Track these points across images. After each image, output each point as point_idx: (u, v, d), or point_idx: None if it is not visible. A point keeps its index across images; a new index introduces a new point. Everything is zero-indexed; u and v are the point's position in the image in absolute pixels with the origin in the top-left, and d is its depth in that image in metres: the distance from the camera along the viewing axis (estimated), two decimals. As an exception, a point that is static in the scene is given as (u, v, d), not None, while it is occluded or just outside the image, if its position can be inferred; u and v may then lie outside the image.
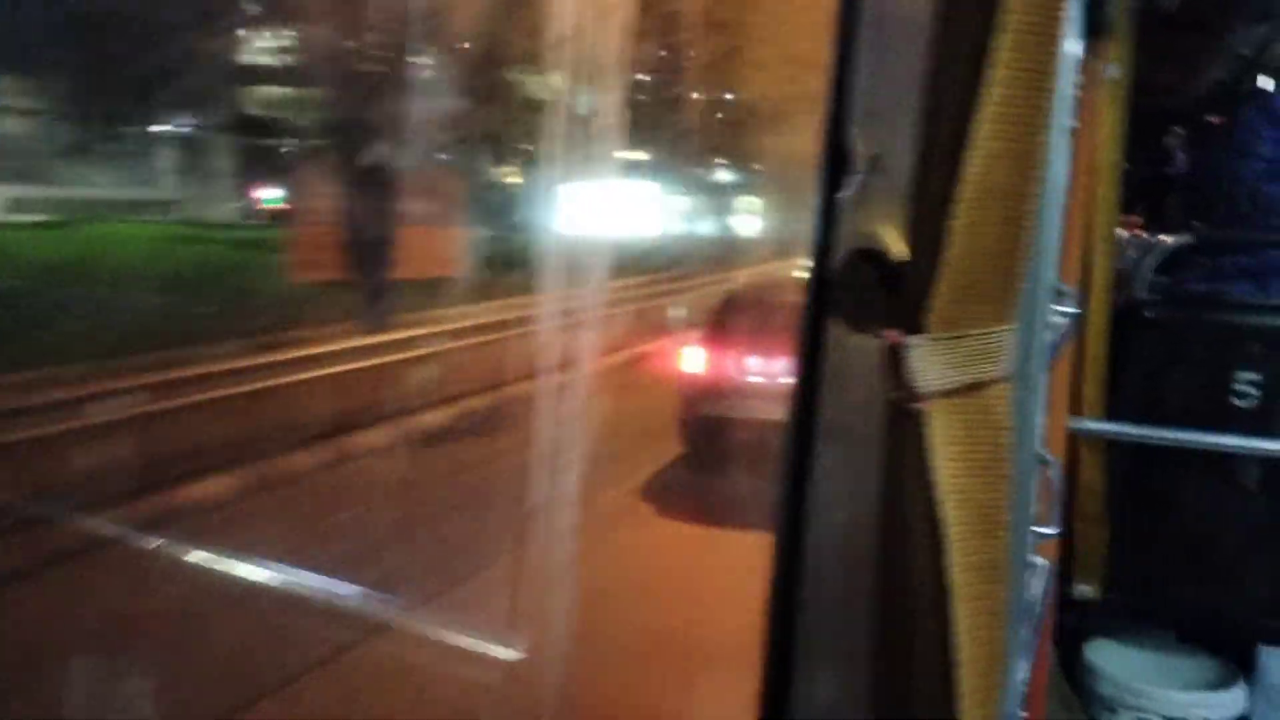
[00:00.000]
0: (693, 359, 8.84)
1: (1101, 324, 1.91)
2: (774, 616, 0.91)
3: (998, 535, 0.72)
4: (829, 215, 0.82)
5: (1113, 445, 2.04)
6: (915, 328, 0.69)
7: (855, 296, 0.78)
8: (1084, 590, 2.01)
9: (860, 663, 0.86)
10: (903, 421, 0.71)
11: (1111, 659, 2.28)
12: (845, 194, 0.81)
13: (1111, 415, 1.99)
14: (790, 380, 0.94)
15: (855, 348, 0.81)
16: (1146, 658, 2.29)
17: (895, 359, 0.69)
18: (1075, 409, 1.91)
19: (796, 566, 0.88)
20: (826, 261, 0.82)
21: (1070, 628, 2.20)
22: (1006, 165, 0.68)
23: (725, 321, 9.04)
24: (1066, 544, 2.06)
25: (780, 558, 0.88)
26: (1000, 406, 0.72)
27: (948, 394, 0.69)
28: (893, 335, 0.70)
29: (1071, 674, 2.27)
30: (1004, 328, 0.72)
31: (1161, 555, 2.15)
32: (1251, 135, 1.98)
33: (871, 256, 0.78)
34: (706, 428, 8.55)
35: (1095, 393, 1.93)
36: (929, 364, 0.68)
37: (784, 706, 0.89)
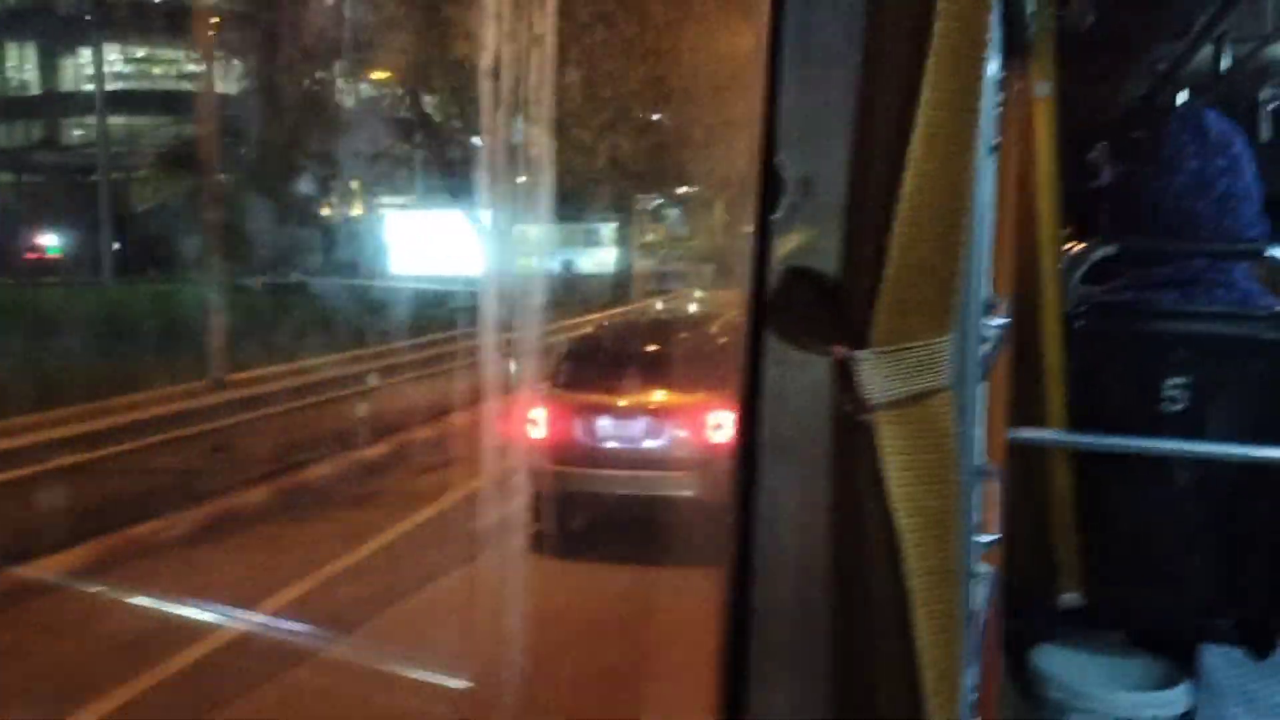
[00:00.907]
0: (537, 421, 7.40)
1: (1056, 334, 1.96)
2: (728, 632, 0.92)
3: (949, 541, 0.74)
4: (764, 236, 0.84)
5: (1052, 453, 2.09)
6: (860, 342, 0.71)
7: (794, 313, 0.80)
8: (1070, 599, 2.05)
9: (816, 675, 0.88)
10: (853, 433, 0.73)
11: (1060, 664, 2.32)
12: (778, 215, 0.83)
13: (1050, 423, 2.03)
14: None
15: (796, 364, 0.83)
16: (1094, 661, 2.33)
17: (843, 373, 0.71)
18: (1038, 419, 1.95)
19: (748, 582, 0.89)
20: (764, 281, 0.85)
21: (1018, 634, 2.23)
22: (939, 183, 0.70)
23: (576, 374, 7.66)
24: (1027, 553, 2.09)
25: (733, 573, 0.89)
26: (944, 415, 0.75)
27: (894, 405, 0.71)
28: (839, 350, 0.72)
29: (1021, 680, 2.31)
30: (943, 338, 0.74)
31: (1104, 559, 2.20)
32: (1177, 150, 2.05)
33: (807, 274, 0.81)
34: (556, 504, 7.20)
35: (1057, 402, 1.97)
36: (875, 376, 0.71)
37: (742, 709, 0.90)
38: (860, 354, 0.71)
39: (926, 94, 0.67)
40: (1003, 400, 1.81)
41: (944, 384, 0.74)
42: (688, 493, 6.80)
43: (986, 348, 1.16)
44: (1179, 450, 1.97)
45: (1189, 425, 1.95)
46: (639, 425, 7.17)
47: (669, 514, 6.80)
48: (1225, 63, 2.81)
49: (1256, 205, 2.04)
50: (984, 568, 1.34)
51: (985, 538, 1.32)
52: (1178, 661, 2.27)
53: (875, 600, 0.73)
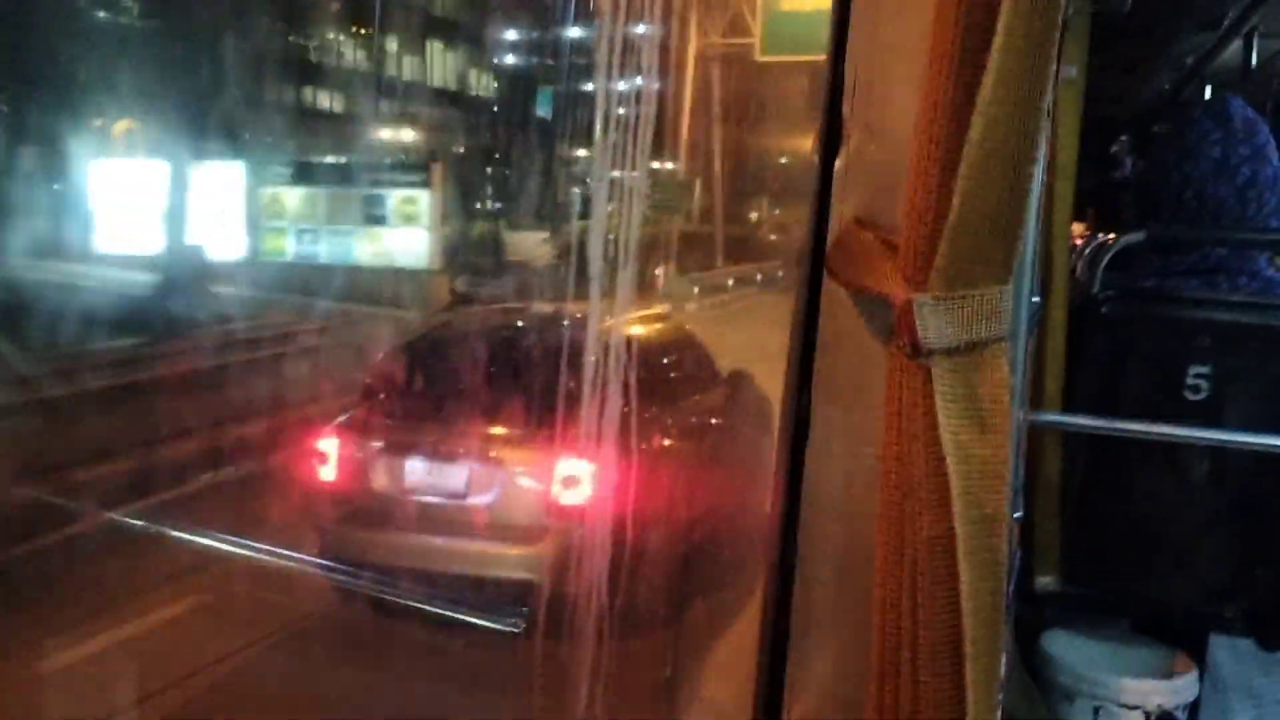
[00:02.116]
0: (327, 459, 5.11)
1: (1060, 319, 1.96)
2: (771, 583, 0.93)
3: (998, 490, 0.75)
4: (825, 184, 0.85)
5: (1068, 438, 2.09)
6: (920, 288, 0.72)
7: (856, 260, 0.81)
8: (1045, 582, 2.06)
9: (859, 621, 0.89)
10: (909, 378, 0.73)
11: (1068, 649, 2.33)
12: (840, 163, 0.84)
13: (1068, 408, 2.04)
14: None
15: (854, 311, 0.84)
16: (1102, 647, 2.34)
17: (902, 318, 0.72)
18: (1035, 403, 1.95)
19: (794, 522, 0.90)
20: (823, 227, 0.85)
21: (1028, 619, 2.24)
22: (1007, 131, 0.71)
23: (384, 396, 5.45)
24: (1023, 536, 2.11)
25: (780, 522, 0.90)
26: (999, 365, 0.75)
27: (951, 351, 0.72)
28: (898, 295, 0.72)
29: (1029, 664, 2.32)
30: (1003, 288, 0.74)
31: (1115, 547, 2.21)
32: (1201, 137, 2.05)
33: (869, 221, 0.81)
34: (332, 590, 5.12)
35: (1055, 387, 1.98)
36: (934, 322, 0.71)
37: (782, 667, 0.91)
38: (920, 298, 0.71)
39: (1001, 38, 0.67)
40: (1027, 385, 1.81)
41: (1001, 334, 0.74)
42: (523, 574, 4.82)
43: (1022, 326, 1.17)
44: (1197, 437, 1.97)
45: (1210, 413, 1.95)
46: (462, 473, 4.95)
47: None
48: (1254, 58, 2.81)
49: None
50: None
51: (1015, 515, 1.33)
52: (1186, 651, 2.27)
53: (921, 545, 0.74)
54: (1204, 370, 1.95)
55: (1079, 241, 2.73)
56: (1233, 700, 2.39)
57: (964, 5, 0.68)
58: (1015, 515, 1.35)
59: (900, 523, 0.75)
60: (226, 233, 17.01)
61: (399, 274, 16.68)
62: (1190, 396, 1.97)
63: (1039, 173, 0.95)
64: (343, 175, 17.86)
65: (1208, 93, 2.78)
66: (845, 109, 0.79)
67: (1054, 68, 0.71)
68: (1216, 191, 2.05)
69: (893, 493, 0.76)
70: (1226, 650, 2.24)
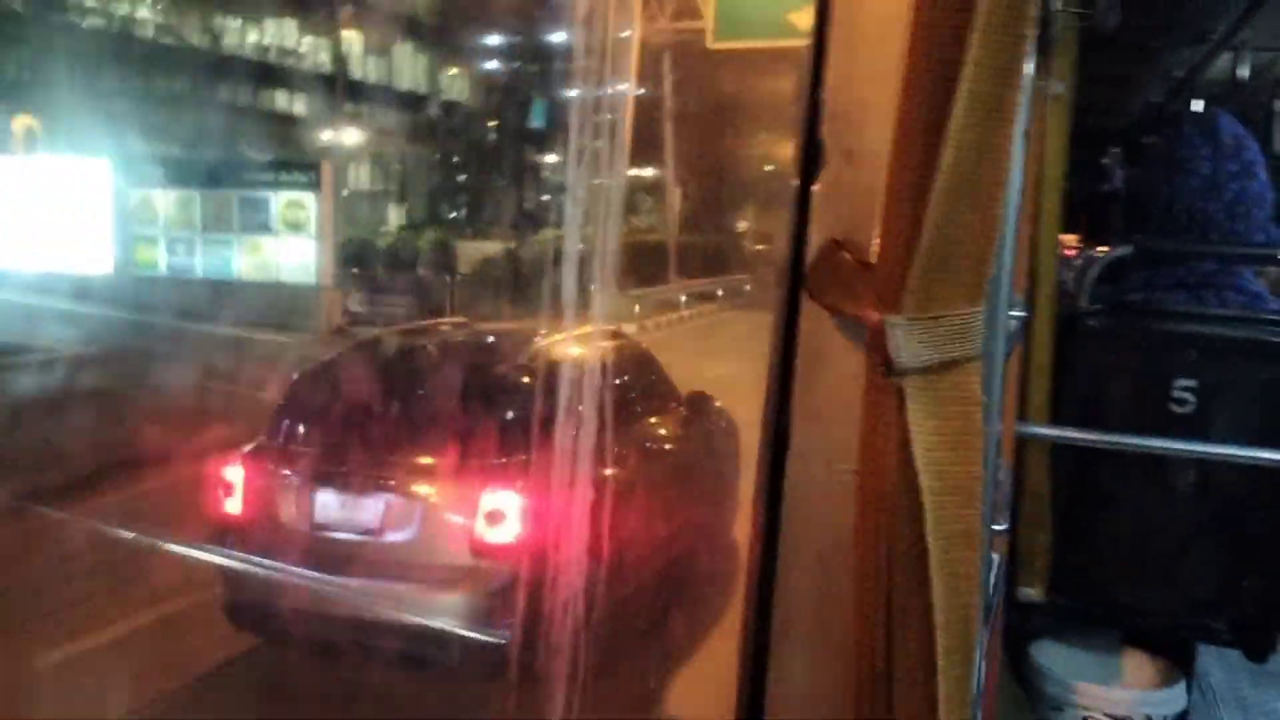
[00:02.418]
0: (232, 490, 4.61)
1: (1047, 332, 1.98)
2: (751, 600, 0.94)
3: (972, 506, 0.76)
4: (803, 206, 0.87)
5: (1056, 450, 2.11)
6: (895, 309, 0.74)
7: (833, 281, 0.82)
8: (1028, 593, 2.07)
9: (838, 641, 0.90)
10: (883, 397, 0.75)
11: (1057, 659, 2.34)
12: (818, 187, 0.85)
13: (1055, 421, 2.05)
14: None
15: (832, 331, 0.85)
16: (1091, 658, 2.35)
17: (877, 338, 0.73)
18: (1021, 415, 1.97)
19: (775, 539, 0.92)
20: (802, 249, 0.87)
21: (1017, 628, 2.26)
22: (978, 156, 0.72)
23: (295, 420, 4.84)
24: (1011, 547, 2.12)
25: (760, 537, 0.92)
26: (972, 384, 0.77)
27: (924, 371, 0.74)
28: (873, 316, 0.74)
29: (1019, 674, 2.33)
30: (975, 309, 0.76)
31: (1103, 558, 2.22)
32: (1191, 153, 2.07)
33: (846, 244, 0.83)
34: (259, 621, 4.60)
35: (1041, 399, 1.99)
36: (908, 342, 0.73)
37: (762, 681, 0.92)
38: (894, 319, 0.73)
39: (969, 68, 0.69)
40: (1014, 396, 1.83)
41: (974, 353, 0.76)
42: (444, 621, 4.32)
43: (1004, 341, 1.18)
44: (1184, 450, 1.99)
45: (1196, 427, 1.97)
46: (376, 507, 4.41)
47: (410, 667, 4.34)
48: (1243, 71, 2.83)
49: (1268, 211, 2.07)
50: (994, 556, 1.36)
51: (997, 526, 1.34)
52: (1175, 661, 2.29)
53: (896, 561, 0.76)
54: (1190, 383, 1.97)
55: (1071, 253, 2.75)
56: (1221, 711, 2.41)
57: (935, 38, 0.70)
58: (999, 527, 1.37)
59: (875, 538, 0.77)
60: (88, 242, 14.62)
61: (279, 290, 14.22)
62: (1176, 409, 1.98)
63: (1013, 195, 0.97)
64: (222, 175, 15.02)
65: (1198, 105, 2.80)
66: (823, 134, 0.81)
67: (1021, 96, 0.73)
68: (1205, 207, 2.07)
69: (868, 509, 0.78)
70: (1215, 661, 2.26)
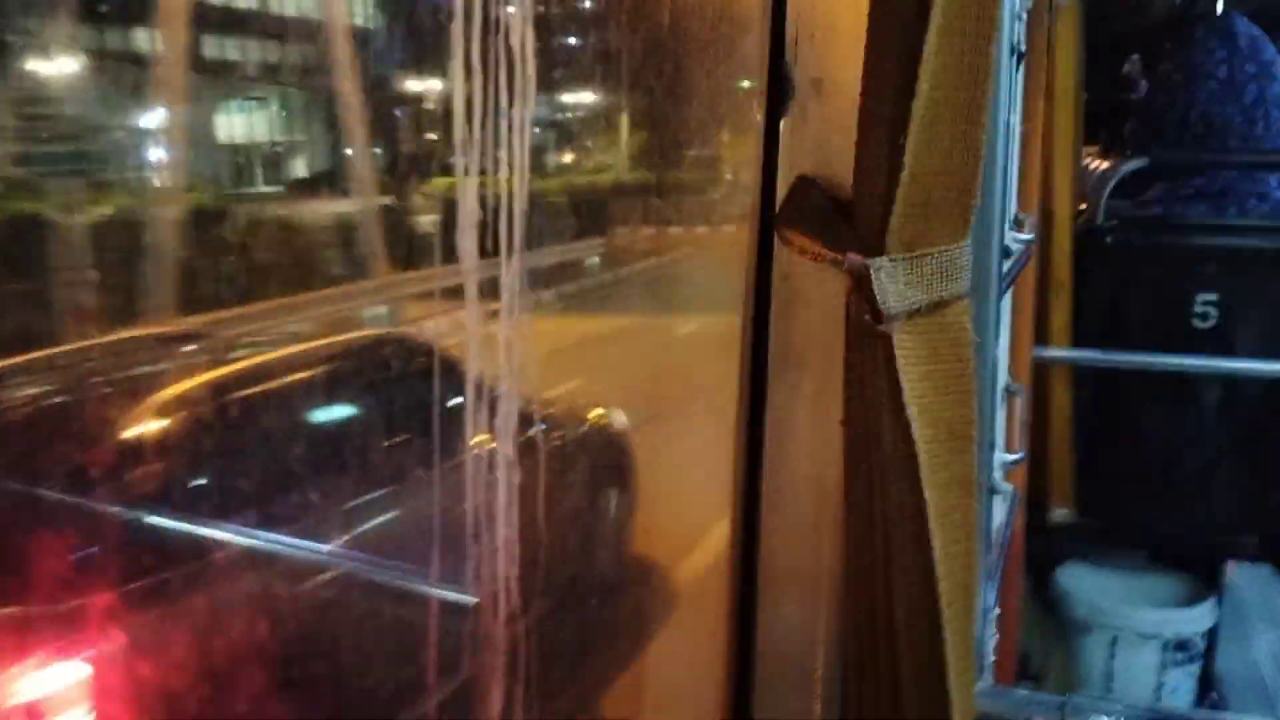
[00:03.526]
0: None
1: (1066, 251, 1.93)
2: (736, 552, 0.92)
3: (966, 451, 0.73)
4: (771, 141, 0.82)
5: (1078, 371, 2.07)
6: (876, 249, 0.69)
7: (805, 221, 0.78)
8: (1061, 514, 2.04)
9: (824, 593, 0.88)
10: (869, 344, 0.71)
11: (1084, 582, 2.32)
12: (786, 120, 0.81)
13: (1074, 341, 2.01)
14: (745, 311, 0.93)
15: (806, 274, 0.81)
16: (1118, 579, 2.33)
17: (860, 281, 0.69)
18: (1041, 337, 1.92)
19: (756, 495, 0.89)
20: (771, 187, 0.83)
21: (1042, 553, 2.23)
22: (955, 80, 0.68)
23: None
24: (1038, 471, 2.09)
25: (742, 486, 0.89)
26: (962, 324, 0.73)
27: (911, 314, 0.70)
28: (854, 258, 0.70)
29: (1045, 599, 2.31)
30: (960, 245, 0.72)
31: (1129, 478, 2.19)
32: (1205, 57, 1.99)
33: (818, 181, 0.79)
34: None
35: (1062, 320, 1.95)
36: (892, 285, 0.69)
37: (751, 631, 0.90)
38: (877, 262, 0.69)
39: None
40: (1029, 318, 1.78)
41: (962, 292, 0.72)
42: None
43: (1010, 262, 1.14)
44: (1209, 366, 1.94)
45: (1219, 342, 1.92)
46: None
47: None
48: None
49: None
50: (1006, 486, 1.33)
51: (1009, 456, 1.31)
52: (1202, 578, 2.26)
53: (891, 512, 0.72)
54: (1212, 298, 1.92)
55: (1097, 165, 2.67)
56: (1252, 625, 2.38)
57: None
58: (1012, 457, 1.33)
59: (869, 492, 0.74)
60: None
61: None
62: (1198, 325, 1.93)
63: (1002, 117, 0.92)
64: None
65: (1218, 7, 2.70)
66: (789, 62, 0.76)
67: (1002, 13, 0.68)
68: (1224, 111, 2.00)
69: (859, 462, 0.75)
70: (1244, 576, 2.23)
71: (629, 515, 4.40)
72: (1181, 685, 2.18)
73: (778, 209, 0.81)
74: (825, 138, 0.79)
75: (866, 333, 0.71)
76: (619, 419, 4.67)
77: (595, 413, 4.69)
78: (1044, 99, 1.77)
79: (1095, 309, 2.02)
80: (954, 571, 0.73)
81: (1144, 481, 2.16)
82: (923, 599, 0.73)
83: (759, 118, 0.84)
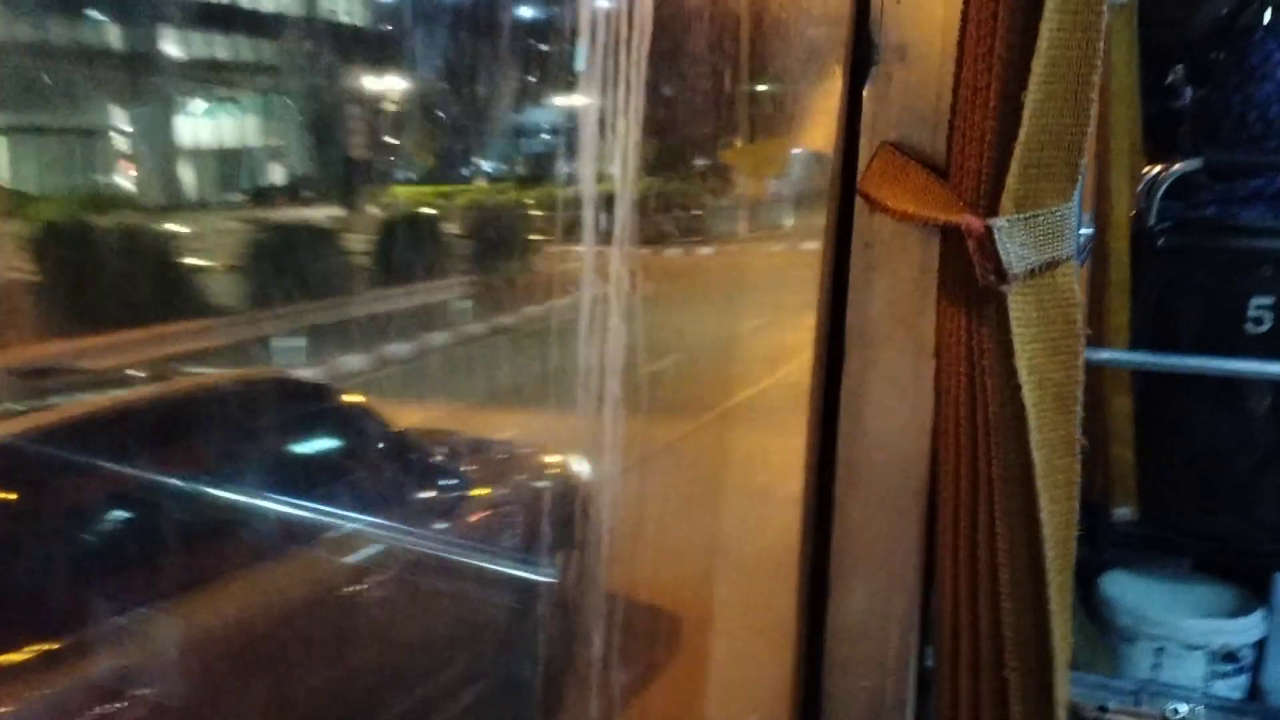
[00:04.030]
0: None
1: (1123, 252, 1.91)
2: (810, 521, 0.91)
3: (1071, 412, 0.73)
4: (853, 109, 0.82)
5: (1135, 374, 2.05)
6: (989, 211, 0.69)
7: (893, 186, 0.78)
8: (1123, 513, 2.02)
9: (902, 559, 0.87)
10: (977, 306, 0.71)
11: (1128, 590, 2.29)
12: (869, 88, 0.80)
13: (1134, 344, 2.00)
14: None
15: (889, 241, 0.81)
16: (1163, 587, 2.30)
17: (980, 243, 0.69)
18: (1097, 338, 1.91)
19: (830, 472, 0.88)
20: (853, 156, 0.82)
21: (1083, 561, 2.21)
22: (1070, 39, 0.68)
23: None
24: (1086, 470, 2.06)
25: (814, 461, 0.88)
26: (1069, 285, 0.73)
27: (1026, 275, 0.69)
28: (972, 219, 0.70)
29: (1089, 606, 2.29)
30: (1068, 205, 0.72)
31: (1176, 484, 2.16)
32: (1263, 59, 1.99)
33: (905, 145, 0.78)
34: None
35: (1120, 321, 1.93)
36: (1013, 245, 0.68)
37: (822, 606, 0.90)
38: (997, 221, 0.68)
39: None
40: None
41: (1070, 252, 0.72)
42: None
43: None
44: (1259, 372, 1.92)
45: (1274, 346, 1.90)
46: None
47: None
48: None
49: None
50: None
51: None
52: (1250, 589, 2.24)
53: (997, 476, 0.72)
54: (1267, 301, 1.90)
55: (1148, 169, 2.66)
56: (1301, 638, 2.35)
57: None
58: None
59: (972, 456, 0.73)
60: None
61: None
62: (1252, 329, 1.91)
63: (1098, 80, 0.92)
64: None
65: (1268, 16, 2.69)
66: (873, 28, 0.76)
67: None
68: None
69: (958, 426, 0.74)
70: None
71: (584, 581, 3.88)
72: (1228, 698, 2.15)
73: (862, 176, 0.81)
74: (911, 103, 0.79)
75: (975, 295, 0.71)
76: (578, 468, 4.22)
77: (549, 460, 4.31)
78: (1099, 99, 1.76)
79: (1147, 311, 2.01)
80: (1057, 532, 0.73)
81: (1191, 488, 2.14)
82: (1027, 561, 0.72)
83: (840, 85, 0.84)
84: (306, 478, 3.40)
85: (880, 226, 0.82)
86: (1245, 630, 2.16)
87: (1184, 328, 2.01)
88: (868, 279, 0.84)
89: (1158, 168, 2.12)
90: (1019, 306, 0.70)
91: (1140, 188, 2.07)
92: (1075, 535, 0.75)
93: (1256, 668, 2.19)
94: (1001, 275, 0.68)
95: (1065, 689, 0.77)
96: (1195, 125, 2.16)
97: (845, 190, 0.85)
